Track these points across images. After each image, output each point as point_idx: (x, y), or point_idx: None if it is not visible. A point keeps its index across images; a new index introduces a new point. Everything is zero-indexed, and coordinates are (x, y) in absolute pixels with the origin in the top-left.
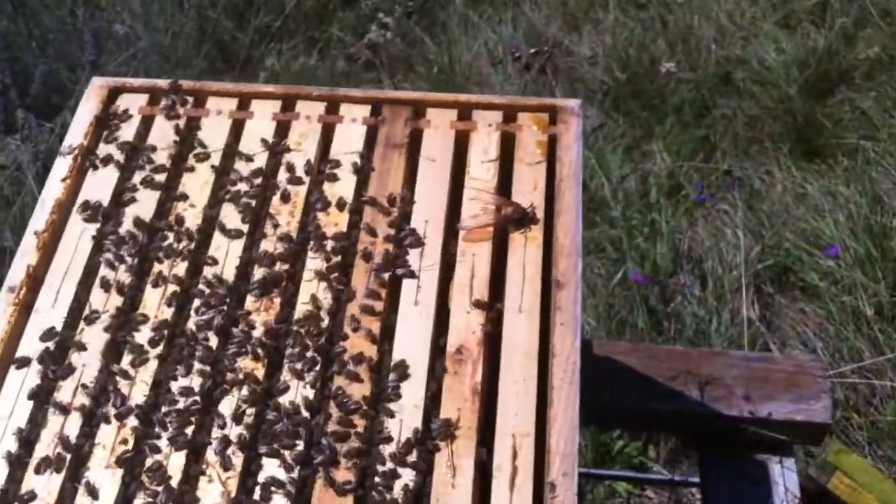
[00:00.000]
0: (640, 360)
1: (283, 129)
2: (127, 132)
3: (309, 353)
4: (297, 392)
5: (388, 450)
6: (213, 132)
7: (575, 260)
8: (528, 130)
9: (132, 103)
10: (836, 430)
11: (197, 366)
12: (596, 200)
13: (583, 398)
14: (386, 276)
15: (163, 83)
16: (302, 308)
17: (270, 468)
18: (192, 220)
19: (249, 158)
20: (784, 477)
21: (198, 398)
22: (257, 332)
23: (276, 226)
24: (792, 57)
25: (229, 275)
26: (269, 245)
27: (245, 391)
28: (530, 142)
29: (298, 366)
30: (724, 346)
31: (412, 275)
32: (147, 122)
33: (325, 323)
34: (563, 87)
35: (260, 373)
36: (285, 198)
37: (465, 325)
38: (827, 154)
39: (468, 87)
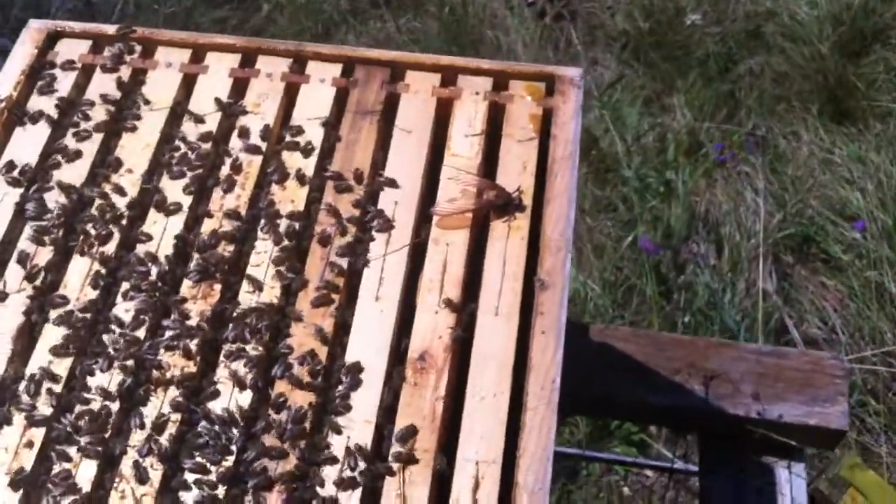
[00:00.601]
0: (641, 348)
1: (240, 87)
2: (64, 84)
3: (249, 352)
4: (231, 397)
5: (331, 473)
6: (161, 87)
7: (563, 257)
8: (520, 101)
9: (73, 51)
10: (850, 416)
11: (118, 360)
12: (609, 158)
13: (576, 388)
14: (345, 264)
15: (109, 28)
16: (245, 298)
17: (193, 485)
18: (128, 188)
19: (199, 120)
20: (791, 484)
21: (116, 399)
22: (191, 324)
23: (223, 200)
24: (825, 12)
25: (165, 255)
26: (213, 222)
27: (172, 393)
28: (522, 115)
29: (235, 366)
30: (736, 319)
31: (375, 264)
32: (88, 73)
33: (271, 316)
34: (582, 35)
35: (191, 372)
36: (236, 168)
37: (432, 328)
38: (858, 117)
39: (481, 30)
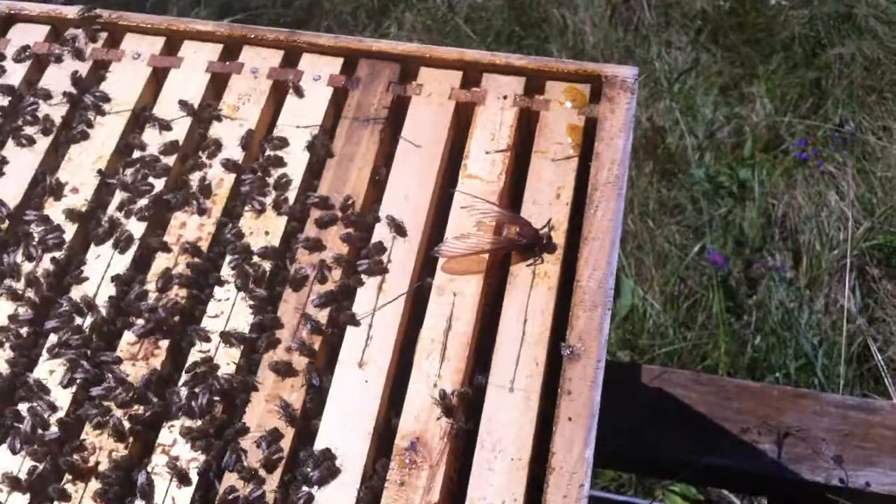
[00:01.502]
0: (703, 396)
1: (218, 84)
2: (13, 76)
3: (195, 432)
4: (166, 492)
5: None
6: (124, 84)
7: (600, 316)
8: (557, 109)
9: (27, 36)
10: None
11: (30, 443)
12: (678, 154)
13: (623, 445)
14: (324, 317)
15: (70, 11)
16: (198, 359)
17: None
18: (71, 212)
19: (165, 126)
20: None
21: (26, 491)
22: (126, 394)
23: (183, 230)
24: None
25: (103, 300)
26: (167, 259)
27: (93, 486)
28: (559, 126)
29: (177, 451)
30: (813, 342)
31: (362, 319)
32: (41, 65)
33: (226, 385)
34: (655, 15)
35: (120, 458)
36: (204, 189)
37: (428, 406)
38: None
39: (547, 8)
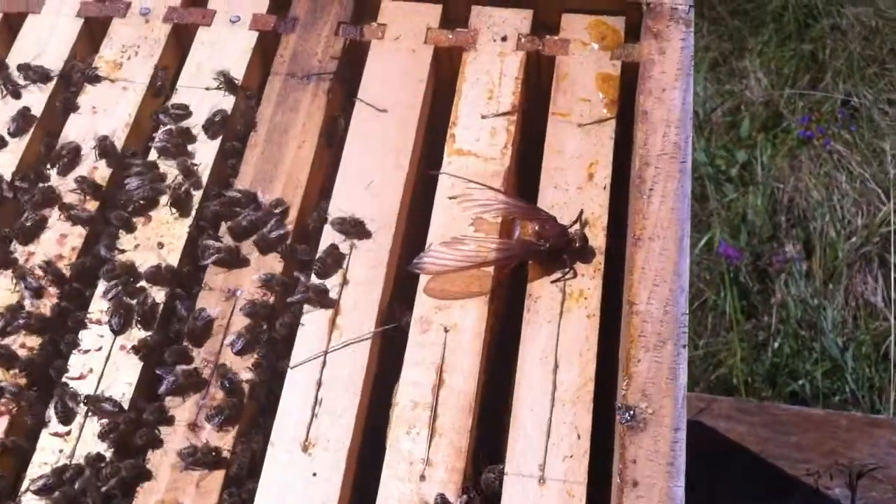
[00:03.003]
0: (753, 429)
1: (93, 32)
2: None
3: None
4: None
5: None
6: None
7: (673, 358)
8: (581, 51)
9: None
10: None
11: None
12: None
13: None
14: (247, 371)
15: None
16: (50, 448)
17: None
18: None
19: (14, 92)
20: None
21: None
22: None
23: (36, 247)
24: None
25: None
26: (9, 295)
27: None
28: (585, 76)
29: None
30: (838, 343)
31: (302, 375)
32: None
33: (90, 484)
34: None
35: None
36: (73, 184)
37: None
38: None
39: None
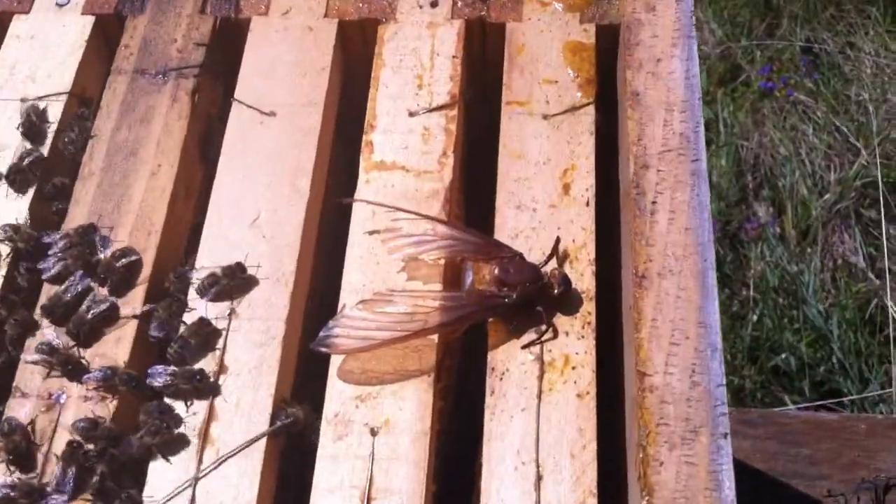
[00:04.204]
0: (759, 443)
1: None
2: None
3: None
4: None
5: None
6: None
7: (712, 456)
8: (540, 15)
9: None
10: None
11: None
12: None
13: None
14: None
15: None
16: None
17: None
18: None
19: None
20: None
21: None
22: None
23: None
24: None
25: None
26: None
27: None
28: (548, 48)
29: None
30: (820, 310)
31: None
32: None
33: None
34: None
35: None
36: None
37: None
38: None
39: None
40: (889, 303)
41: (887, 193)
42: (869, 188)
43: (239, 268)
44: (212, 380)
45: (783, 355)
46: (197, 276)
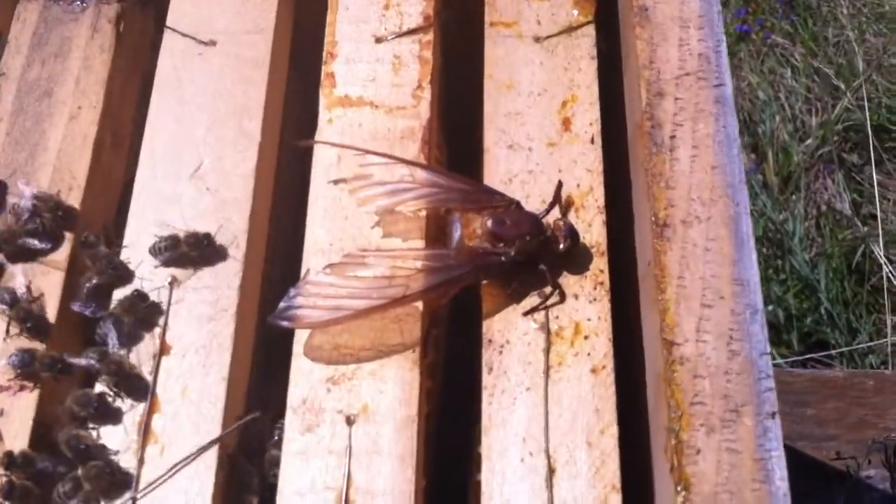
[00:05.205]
0: None
1: None
2: None
3: None
4: None
5: None
6: None
7: (760, 437)
8: None
9: None
10: None
11: None
12: None
13: None
14: None
15: None
16: None
17: None
18: None
19: None
20: None
21: None
22: None
23: None
24: None
25: None
26: None
27: None
28: None
29: None
30: (806, 260)
31: None
32: None
33: None
34: None
35: None
36: None
37: None
38: None
39: None
40: (877, 249)
41: (872, 137)
42: (850, 132)
43: (205, 238)
44: (147, 371)
45: (770, 307)
46: (127, 240)
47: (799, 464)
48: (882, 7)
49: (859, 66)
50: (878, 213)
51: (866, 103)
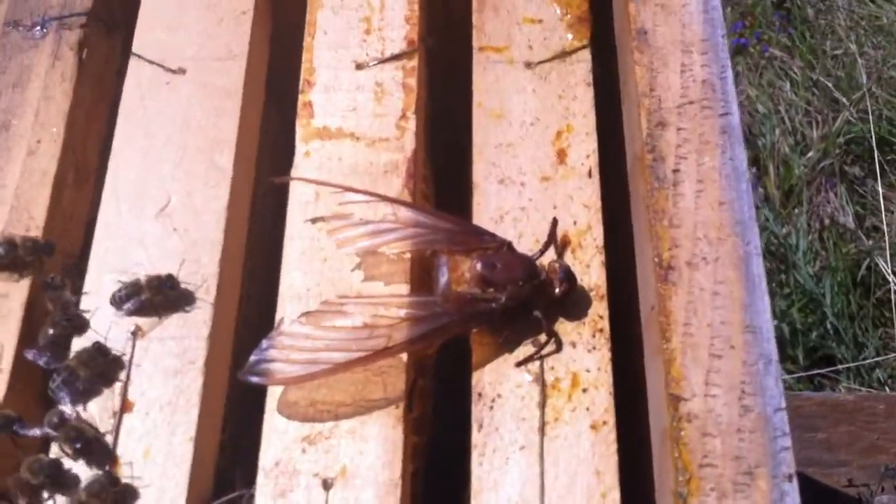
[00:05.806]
0: None
1: None
2: None
3: None
4: None
5: None
6: None
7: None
8: None
9: None
10: None
11: None
12: None
13: None
14: None
15: None
16: None
17: None
18: None
19: None
20: None
21: None
22: None
23: None
24: None
25: None
26: None
27: None
28: None
29: None
30: (811, 274)
31: None
32: None
33: None
34: None
35: None
36: None
37: None
38: None
39: None
40: (882, 263)
41: (876, 149)
42: (852, 144)
43: (168, 280)
44: (105, 430)
45: (775, 322)
46: (88, 286)
47: (810, 491)
48: (880, 20)
49: (860, 79)
50: (883, 226)
51: (870, 115)
